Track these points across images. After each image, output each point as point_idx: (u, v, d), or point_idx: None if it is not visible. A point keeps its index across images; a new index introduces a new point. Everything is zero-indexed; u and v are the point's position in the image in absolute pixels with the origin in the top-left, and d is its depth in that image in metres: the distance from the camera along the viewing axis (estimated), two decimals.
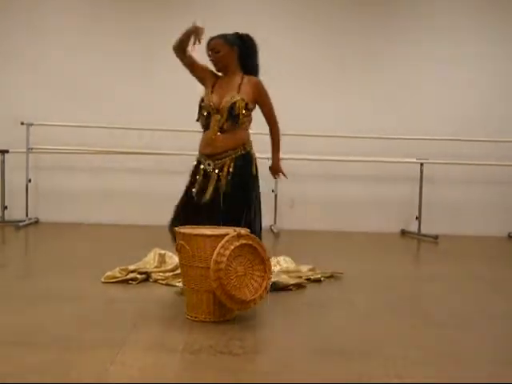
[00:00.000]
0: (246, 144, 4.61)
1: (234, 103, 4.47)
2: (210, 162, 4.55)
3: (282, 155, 8.38)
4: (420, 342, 3.78)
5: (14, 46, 8.77)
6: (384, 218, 8.82)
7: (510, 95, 8.93)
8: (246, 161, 4.61)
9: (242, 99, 4.50)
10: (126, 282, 5.06)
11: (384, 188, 8.87)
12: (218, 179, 4.52)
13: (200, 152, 4.63)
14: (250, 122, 4.64)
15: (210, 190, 4.51)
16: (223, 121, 4.48)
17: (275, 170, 4.90)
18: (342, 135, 8.64)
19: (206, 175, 4.56)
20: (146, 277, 5.19)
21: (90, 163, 8.78)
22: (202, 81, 4.70)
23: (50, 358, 3.27)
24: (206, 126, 4.56)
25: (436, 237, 8.11)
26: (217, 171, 4.52)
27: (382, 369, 3.26)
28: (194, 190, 4.58)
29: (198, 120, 4.63)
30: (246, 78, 4.60)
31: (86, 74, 8.75)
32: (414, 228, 8.58)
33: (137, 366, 3.21)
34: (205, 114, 4.54)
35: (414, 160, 8.50)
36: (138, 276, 5.14)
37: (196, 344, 3.57)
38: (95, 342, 3.56)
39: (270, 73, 8.67)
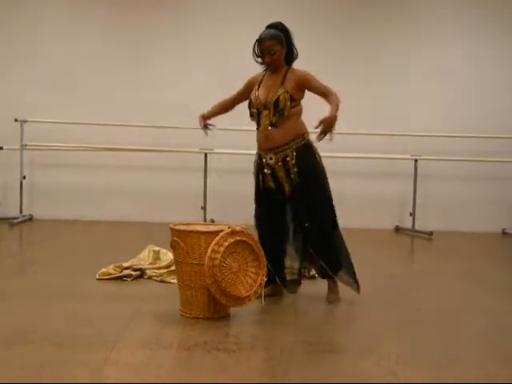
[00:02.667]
0: (304, 133, 4.63)
1: (278, 97, 4.47)
2: (272, 155, 4.53)
3: None
4: (414, 339, 3.79)
5: (7, 43, 8.74)
6: (378, 215, 8.83)
7: (505, 91, 8.93)
8: (307, 150, 4.63)
9: (286, 91, 4.49)
10: (120, 278, 5.07)
11: (378, 184, 8.88)
12: (286, 170, 4.51)
13: (259, 147, 4.63)
14: (300, 111, 4.64)
15: (287, 183, 4.53)
16: (271, 116, 4.48)
17: (328, 122, 4.53)
18: (336, 132, 8.61)
19: (271, 168, 4.54)
20: (141, 273, 5.19)
21: (85, 160, 8.75)
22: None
23: (44, 356, 3.27)
24: (258, 123, 4.57)
25: (430, 233, 8.12)
26: (280, 164, 4.51)
27: (376, 366, 3.27)
28: (262, 184, 4.60)
29: (251, 118, 4.62)
30: (291, 70, 4.62)
31: (80, 71, 8.72)
32: (408, 224, 8.59)
33: (131, 363, 3.21)
34: (255, 111, 4.55)
35: (409, 156, 8.50)
36: (133, 273, 5.14)
37: (191, 340, 3.58)
38: (89, 339, 3.56)
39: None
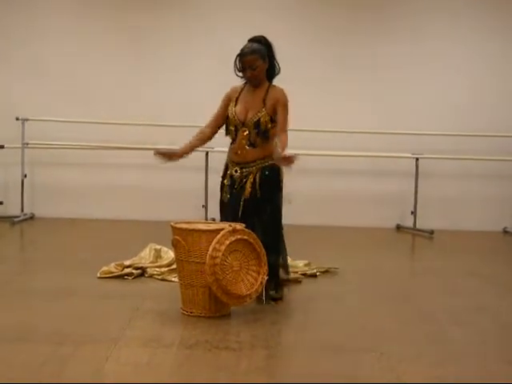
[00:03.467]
0: (270, 152, 4.49)
1: (259, 119, 4.41)
2: (237, 168, 4.49)
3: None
4: (415, 337, 3.79)
5: (8, 42, 8.73)
6: (379, 213, 8.82)
7: (506, 91, 8.93)
8: (273, 171, 4.53)
9: (267, 113, 4.43)
10: (121, 277, 5.07)
11: (379, 183, 8.87)
12: (243, 186, 4.47)
13: (229, 158, 4.58)
14: (275, 131, 4.49)
15: (245, 193, 4.46)
16: (254, 136, 4.42)
17: (277, 160, 4.42)
18: (337, 130, 8.63)
19: (233, 180, 4.51)
20: (142, 272, 5.19)
21: (86, 158, 8.75)
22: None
23: (45, 354, 3.27)
24: (234, 140, 4.49)
25: (431, 232, 8.12)
26: (244, 179, 4.46)
27: (377, 364, 3.27)
28: (224, 193, 4.58)
29: (227, 134, 4.54)
30: (272, 88, 4.52)
31: (81, 70, 8.72)
32: (409, 223, 8.58)
33: (132, 362, 3.22)
34: (232, 128, 4.47)
35: (410, 155, 8.50)
36: (134, 271, 5.14)
37: (192, 339, 3.58)
38: (90, 338, 3.56)
39: None
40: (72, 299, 4.41)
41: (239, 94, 4.52)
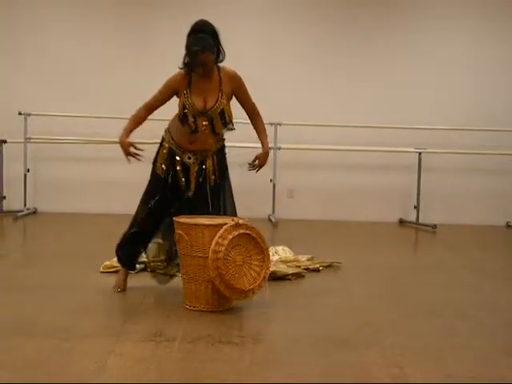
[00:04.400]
0: (222, 135, 4.50)
1: (223, 110, 4.30)
2: (190, 155, 4.37)
3: (280, 145, 8.46)
4: (419, 332, 3.79)
5: (12, 36, 8.74)
6: (382, 208, 8.82)
7: (510, 84, 8.91)
8: (222, 153, 4.50)
9: (227, 100, 4.33)
10: None
11: (382, 177, 8.87)
12: (200, 172, 4.38)
13: (180, 145, 4.41)
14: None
15: (193, 182, 4.37)
16: (219, 126, 4.31)
17: (265, 158, 4.52)
18: (340, 125, 8.63)
19: (185, 167, 4.39)
20: (144, 266, 5.19)
21: (89, 153, 8.76)
22: (175, 95, 4.41)
23: (49, 348, 3.27)
24: (194, 130, 4.31)
25: (434, 226, 8.11)
26: (197, 165, 4.37)
27: (381, 358, 3.27)
28: (170, 179, 4.41)
29: (184, 125, 4.34)
30: (223, 72, 4.35)
31: (84, 65, 8.72)
32: (412, 217, 8.59)
33: (135, 356, 3.22)
34: (192, 119, 4.29)
35: (413, 149, 8.49)
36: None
37: (194, 333, 3.58)
38: (93, 332, 3.57)
39: (269, 63, 8.73)
40: (74, 294, 4.41)
41: (189, 84, 4.31)
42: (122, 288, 4.51)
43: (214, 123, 4.31)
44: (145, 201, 4.62)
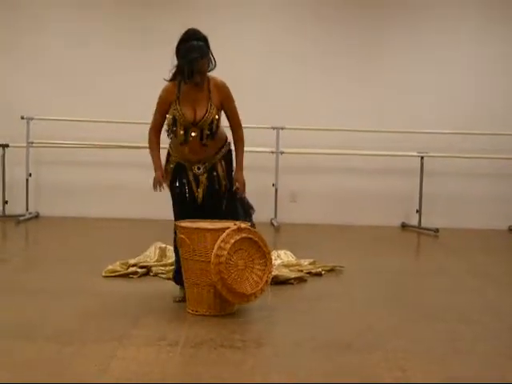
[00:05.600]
0: (227, 138, 4.50)
1: (213, 120, 4.28)
2: (200, 165, 4.37)
3: (282, 149, 8.46)
4: (421, 335, 3.79)
5: (14, 40, 8.74)
6: (384, 212, 8.81)
7: (511, 89, 8.91)
8: (230, 156, 4.51)
9: (217, 109, 4.31)
10: (126, 275, 5.07)
11: (384, 181, 8.86)
12: (211, 181, 4.39)
13: (182, 159, 4.41)
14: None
15: (201, 192, 4.38)
16: (206, 136, 4.28)
17: (240, 180, 4.46)
18: (342, 129, 8.63)
19: (196, 178, 4.39)
20: (147, 271, 5.20)
21: (91, 157, 8.76)
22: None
23: (51, 352, 3.28)
24: (184, 141, 4.30)
25: (436, 230, 8.11)
26: (206, 173, 4.38)
27: (383, 362, 3.27)
28: (190, 193, 4.40)
29: (169, 136, 4.37)
30: (212, 82, 4.34)
31: (86, 68, 8.73)
32: (414, 221, 8.57)
33: (138, 360, 3.22)
34: (181, 131, 4.27)
35: (415, 153, 8.48)
36: (139, 270, 5.15)
37: (197, 338, 3.58)
38: (96, 336, 3.57)
39: (270, 66, 8.73)
40: (77, 298, 4.41)
41: (179, 94, 4.32)
42: (181, 298, 4.40)
43: (203, 133, 4.28)
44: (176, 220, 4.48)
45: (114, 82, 8.70)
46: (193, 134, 4.27)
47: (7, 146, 8.42)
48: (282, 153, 8.42)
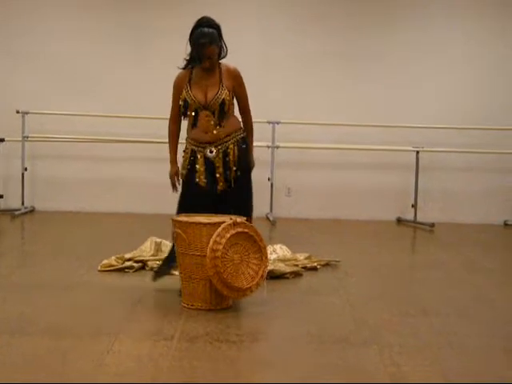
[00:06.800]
0: (241, 127, 4.55)
1: (224, 101, 4.35)
2: (213, 148, 4.41)
3: (278, 143, 8.47)
4: (416, 330, 3.79)
5: (9, 35, 8.72)
6: (380, 206, 8.82)
7: (508, 83, 8.91)
8: (246, 143, 4.53)
9: (228, 91, 4.39)
10: (122, 270, 5.07)
11: (380, 176, 8.87)
12: (225, 166, 4.42)
13: (196, 140, 4.45)
14: (233, 106, 4.52)
15: (221, 179, 4.41)
16: (218, 116, 4.36)
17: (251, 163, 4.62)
18: (338, 123, 8.63)
19: (209, 163, 4.42)
20: (142, 265, 5.19)
21: (86, 152, 8.75)
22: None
23: (46, 347, 3.28)
24: (194, 123, 4.41)
25: (432, 225, 8.12)
26: (221, 156, 4.41)
27: (379, 357, 3.27)
28: (197, 180, 4.42)
29: (184, 118, 4.47)
30: (224, 68, 4.44)
31: (82, 63, 8.70)
32: (409, 216, 8.58)
33: (133, 354, 3.22)
34: (192, 113, 4.38)
35: (410, 148, 8.49)
36: (134, 264, 5.14)
37: (192, 332, 3.58)
38: (91, 331, 3.56)
39: (269, 61, 8.73)
40: (72, 292, 4.41)
41: (189, 79, 4.43)
42: None
43: (215, 114, 4.37)
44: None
45: (111, 77, 8.69)
46: (205, 116, 4.36)
47: (3, 140, 8.39)
48: (277, 147, 8.42)
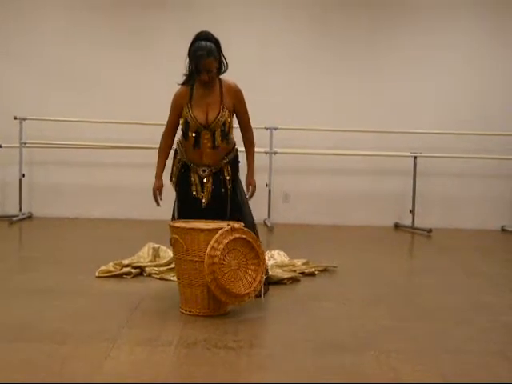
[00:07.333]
0: (235, 144, 4.56)
1: (225, 122, 4.35)
2: (205, 168, 4.44)
3: (275, 149, 8.48)
4: (414, 335, 3.79)
5: (6, 40, 8.73)
6: (378, 212, 8.84)
7: (506, 89, 8.93)
8: (236, 161, 4.57)
9: (228, 112, 4.38)
10: (120, 276, 5.07)
11: (378, 181, 8.89)
12: (217, 185, 4.45)
13: (189, 159, 4.46)
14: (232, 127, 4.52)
15: (207, 194, 4.44)
16: (219, 138, 4.36)
17: (253, 184, 4.61)
18: (335, 129, 8.65)
19: (201, 180, 4.45)
20: (140, 271, 5.20)
21: (84, 158, 8.76)
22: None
23: (44, 353, 3.27)
24: (195, 144, 4.39)
25: (429, 230, 8.13)
26: (212, 178, 4.43)
27: (376, 362, 3.27)
28: (194, 193, 4.46)
29: (186, 139, 4.42)
30: (225, 85, 4.40)
31: (79, 69, 8.72)
32: (407, 221, 8.60)
33: (131, 360, 3.22)
34: (193, 134, 4.36)
35: (408, 153, 8.51)
36: (132, 270, 5.15)
37: (190, 338, 3.58)
38: (89, 337, 3.56)
39: (264, 67, 8.74)
40: (70, 298, 4.41)
41: (190, 97, 4.39)
42: None
43: (215, 136, 4.36)
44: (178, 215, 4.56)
45: (109, 83, 8.71)
46: (206, 137, 4.36)
47: (0, 146, 8.40)
48: (275, 153, 8.43)
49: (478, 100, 8.91)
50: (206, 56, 4.23)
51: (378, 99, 8.85)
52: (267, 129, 8.36)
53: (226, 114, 4.36)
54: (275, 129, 8.43)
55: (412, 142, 8.65)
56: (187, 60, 4.35)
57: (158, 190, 4.58)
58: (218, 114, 4.35)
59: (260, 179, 8.24)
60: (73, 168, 8.80)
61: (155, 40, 8.76)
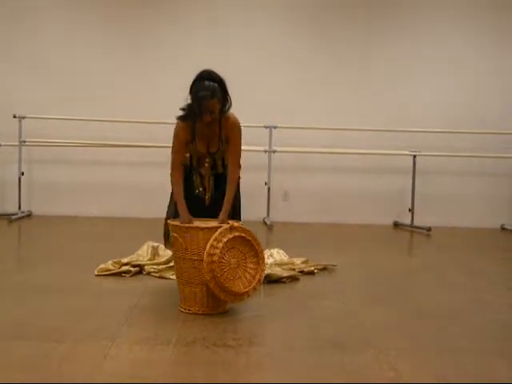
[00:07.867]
0: None
1: (225, 155, 4.43)
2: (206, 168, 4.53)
3: (274, 148, 8.47)
4: (413, 333, 3.79)
5: (5, 39, 8.73)
6: (377, 210, 8.84)
7: (505, 88, 8.94)
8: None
9: (226, 143, 4.40)
10: (119, 274, 5.07)
11: (377, 180, 8.89)
12: (217, 184, 4.51)
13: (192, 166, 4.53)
14: None
15: (208, 194, 4.51)
16: (219, 165, 4.46)
17: (223, 222, 4.35)
18: (335, 127, 8.65)
19: (203, 180, 4.51)
20: (139, 269, 5.20)
21: (83, 156, 8.76)
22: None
23: (43, 351, 3.27)
24: (198, 165, 4.49)
25: (429, 229, 8.13)
26: (213, 178, 4.51)
27: (376, 361, 3.27)
28: (197, 191, 4.51)
29: (194, 174, 4.50)
30: (224, 120, 4.35)
31: (79, 67, 8.73)
32: (406, 220, 8.60)
33: (130, 359, 3.22)
34: (195, 163, 4.47)
35: (407, 152, 8.51)
36: (132, 269, 5.14)
37: (189, 336, 3.58)
38: (88, 335, 3.56)
39: (263, 66, 8.74)
40: (69, 297, 4.41)
41: (193, 133, 4.36)
42: None
43: (216, 163, 4.46)
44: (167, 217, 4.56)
45: (108, 82, 8.71)
46: (207, 161, 4.44)
47: None
48: (274, 151, 8.43)
49: (477, 99, 8.91)
50: (209, 97, 4.12)
51: (377, 99, 8.85)
52: (266, 127, 8.37)
53: (225, 147, 4.41)
54: (274, 127, 8.43)
55: (411, 141, 8.66)
56: (188, 97, 4.26)
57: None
58: (219, 148, 4.40)
59: (259, 178, 8.35)
60: (72, 166, 8.79)
61: (154, 41, 8.75)
